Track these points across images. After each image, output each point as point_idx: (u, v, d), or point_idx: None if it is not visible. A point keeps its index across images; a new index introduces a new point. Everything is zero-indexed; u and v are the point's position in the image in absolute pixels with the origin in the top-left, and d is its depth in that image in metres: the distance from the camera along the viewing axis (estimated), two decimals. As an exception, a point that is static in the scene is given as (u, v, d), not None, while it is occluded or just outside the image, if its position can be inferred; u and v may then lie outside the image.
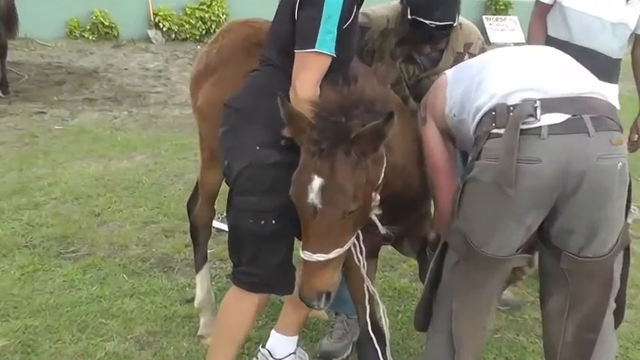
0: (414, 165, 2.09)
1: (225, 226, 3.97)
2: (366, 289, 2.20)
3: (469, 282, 1.82)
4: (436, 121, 2.04)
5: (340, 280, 1.92)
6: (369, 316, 2.19)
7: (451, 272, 1.85)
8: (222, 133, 2.10)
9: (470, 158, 1.77)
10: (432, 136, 2.05)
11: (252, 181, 2.00)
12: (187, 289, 3.22)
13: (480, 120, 1.77)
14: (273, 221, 1.99)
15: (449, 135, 2.06)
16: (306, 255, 1.72)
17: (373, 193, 1.84)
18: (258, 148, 1.99)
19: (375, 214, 1.98)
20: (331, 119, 1.71)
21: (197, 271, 2.92)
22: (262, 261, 2.07)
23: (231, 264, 2.19)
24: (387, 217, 2.06)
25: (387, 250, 3.36)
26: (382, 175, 1.84)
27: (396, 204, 2.04)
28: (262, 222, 2.00)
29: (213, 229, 3.04)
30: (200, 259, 2.89)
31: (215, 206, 2.84)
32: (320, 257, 1.70)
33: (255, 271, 2.08)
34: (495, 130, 1.70)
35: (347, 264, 2.27)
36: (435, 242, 2.03)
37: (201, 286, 2.89)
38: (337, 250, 1.72)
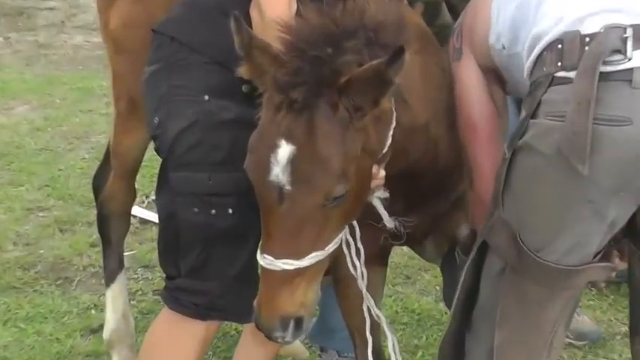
0: (441, 125, 2.11)
1: (152, 216, 3.98)
2: (366, 311, 2.20)
3: (521, 303, 1.85)
4: (476, 55, 2.06)
5: (319, 298, 1.92)
6: (372, 353, 2.23)
7: (493, 288, 1.91)
8: (150, 75, 2.10)
9: (523, 114, 1.82)
10: (469, 78, 2.07)
11: (199, 148, 2.00)
12: (92, 311, 3.22)
13: (539, 56, 1.78)
14: (230, 210, 2.00)
15: (496, 76, 2.08)
16: (267, 261, 1.74)
17: (375, 168, 1.85)
18: (206, 98, 1.98)
19: (378, 199, 2.01)
20: (311, 53, 1.70)
21: (108, 284, 2.91)
22: (212, 271, 2.07)
23: (163, 274, 2.19)
24: (399, 204, 2.07)
25: (400, 253, 3.36)
26: (389, 140, 1.86)
27: (413, 184, 2.06)
28: (213, 212, 2.00)
29: (133, 220, 3.08)
30: (113, 267, 2.90)
31: (136, 185, 2.88)
32: (287, 265, 1.73)
33: (200, 287, 2.08)
34: (562, 73, 1.71)
35: (338, 274, 2.24)
36: (469, 242, 2.06)
37: (113, 307, 2.88)
38: (315, 254, 1.73)
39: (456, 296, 1.98)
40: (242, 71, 1.78)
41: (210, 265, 2.07)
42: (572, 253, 1.75)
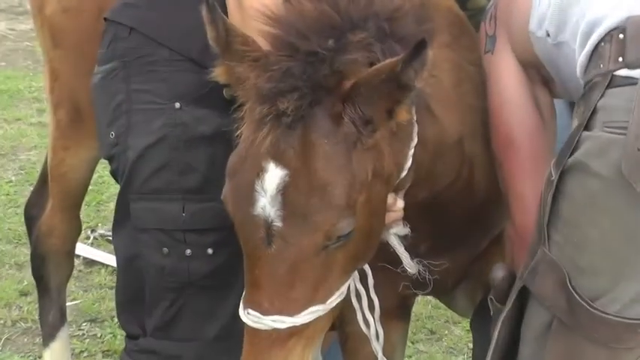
0: (479, 141, 2.13)
1: (100, 255, 4.02)
2: None
3: None
4: (515, 46, 2.08)
5: None
6: None
7: (537, 347, 1.91)
8: (102, 77, 2.13)
9: (575, 123, 1.84)
10: (505, 76, 2.09)
11: (168, 171, 2.04)
12: None
13: (595, 48, 1.80)
14: (209, 250, 2.04)
15: (540, 74, 2.10)
16: (252, 317, 1.74)
17: (391, 197, 1.87)
18: (177, 105, 2.02)
19: (396, 237, 2.01)
20: (305, 49, 1.72)
21: (46, 343, 2.95)
22: (186, 330, 2.11)
23: (121, 332, 2.29)
24: (423, 243, 2.10)
25: (422, 302, 3.41)
26: (409, 162, 1.87)
27: (441, 218, 2.09)
28: (188, 252, 2.04)
29: (76, 261, 3.11)
30: (52, 321, 2.93)
31: (82, 214, 2.90)
32: (279, 323, 1.74)
33: (171, 350, 2.12)
34: (624, 72, 1.73)
35: (345, 331, 2.30)
36: (506, 287, 2.07)
37: None
38: (314, 308, 1.74)
39: (490, 354, 1.99)
40: (217, 74, 1.79)
41: (183, 322, 2.09)
42: (639, 303, 1.76)
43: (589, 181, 1.74)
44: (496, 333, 1.97)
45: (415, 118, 1.83)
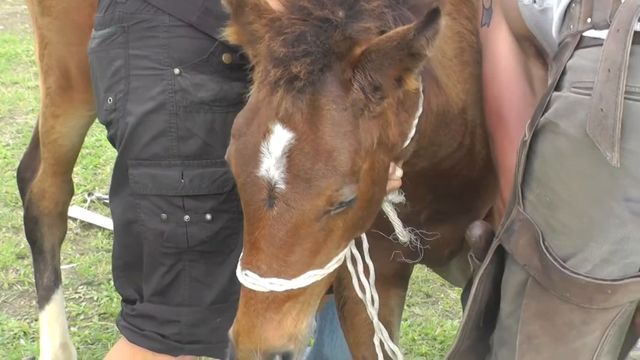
0: (482, 110, 2.11)
1: (97, 218, 4.02)
2: (378, 345, 2.24)
3: (548, 326, 1.87)
4: (509, 19, 2.07)
5: (314, 329, 1.97)
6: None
7: (514, 305, 1.91)
8: (100, 42, 2.12)
9: (549, 82, 1.82)
10: (500, 50, 2.08)
11: (167, 137, 2.03)
12: (22, 341, 3.25)
13: (567, 10, 1.80)
14: (208, 216, 2.04)
15: (534, 47, 2.09)
16: (250, 279, 1.75)
17: (391, 165, 1.87)
18: (177, 71, 2.01)
19: (390, 204, 2.02)
20: (318, 15, 1.72)
21: (42, 306, 2.95)
22: (184, 294, 2.11)
23: (119, 296, 2.25)
24: (425, 212, 2.11)
25: (418, 266, 3.35)
26: (412, 131, 1.88)
27: (438, 187, 2.09)
28: (186, 218, 2.04)
29: (72, 224, 3.15)
30: (47, 283, 2.94)
31: (76, 178, 3.01)
32: (276, 285, 1.75)
33: (169, 314, 2.12)
34: (591, 32, 1.73)
35: (342, 296, 2.32)
36: (482, 244, 2.03)
37: (49, 336, 2.93)
38: (312, 272, 1.75)
39: (467, 309, 1.99)
40: (227, 34, 1.79)
41: (180, 287, 2.10)
42: (610, 263, 1.76)
43: (558, 140, 1.74)
44: (474, 289, 1.97)
45: (422, 87, 1.83)
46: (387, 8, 1.74)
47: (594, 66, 1.66)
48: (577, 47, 1.73)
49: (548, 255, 1.78)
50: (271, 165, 1.67)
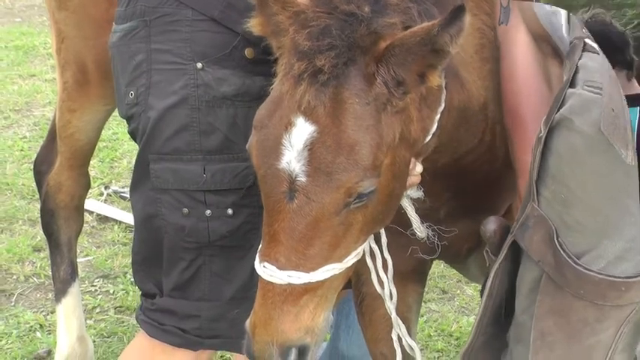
0: (502, 107, 2.10)
1: (113, 212, 4.03)
2: (396, 341, 2.23)
3: (562, 323, 1.87)
4: (525, 18, 2.06)
5: (332, 323, 1.97)
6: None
7: (529, 300, 1.92)
8: (121, 36, 2.12)
9: (564, 79, 1.84)
10: (518, 49, 2.07)
11: (189, 132, 2.03)
12: (38, 334, 3.26)
13: (568, 14, 1.85)
14: (229, 211, 2.04)
15: (551, 46, 2.08)
16: (268, 271, 1.74)
17: (412, 161, 1.87)
18: (199, 66, 2.01)
19: (408, 199, 2.02)
20: (343, 9, 1.72)
21: (58, 299, 2.95)
22: (204, 289, 2.11)
23: (137, 290, 2.27)
24: (445, 208, 2.11)
25: (435, 262, 3.36)
26: (434, 127, 1.88)
27: (458, 183, 2.09)
28: (208, 213, 2.04)
29: (89, 217, 3.17)
30: (64, 276, 2.94)
31: (93, 171, 3.03)
32: (294, 278, 1.74)
33: (189, 309, 2.13)
34: (589, 40, 1.74)
35: (360, 291, 2.30)
36: (497, 239, 2.04)
37: (66, 329, 2.92)
38: (330, 266, 1.75)
39: (482, 304, 1.99)
40: (252, 25, 1.79)
41: (201, 281, 2.10)
42: (624, 260, 1.77)
43: (572, 137, 1.75)
44: (489, 283, 1.97)
45: (444, 83, 1.83)
46: (413, 3, 1.74)
47: (601, 69, 1.68)
48: (584, 49, 1.75)
49: (561, 251, 1.78)
50: (292, 157, 1.67)
